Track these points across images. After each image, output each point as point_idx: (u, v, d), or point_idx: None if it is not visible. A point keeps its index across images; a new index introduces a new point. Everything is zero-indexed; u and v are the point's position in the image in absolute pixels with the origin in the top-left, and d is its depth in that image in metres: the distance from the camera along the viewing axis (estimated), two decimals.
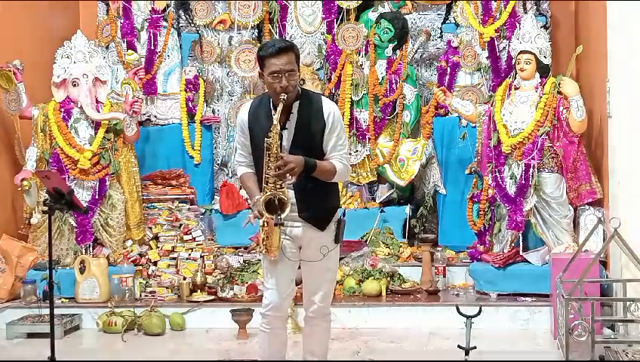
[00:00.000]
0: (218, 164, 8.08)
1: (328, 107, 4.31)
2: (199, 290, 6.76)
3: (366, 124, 7.69)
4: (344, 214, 4.52)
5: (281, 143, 4.19)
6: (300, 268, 4.47)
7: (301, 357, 4.62)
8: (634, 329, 5.54)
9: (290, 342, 4.63)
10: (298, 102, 4.28)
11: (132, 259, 6.99)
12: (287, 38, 7.88)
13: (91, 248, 6.96)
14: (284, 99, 4.15)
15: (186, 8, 8.02)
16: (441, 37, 7.92)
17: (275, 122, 4.14)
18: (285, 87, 4.17)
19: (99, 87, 7.09)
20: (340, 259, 7.04)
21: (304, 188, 4.25)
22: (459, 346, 4.64)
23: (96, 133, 7.01)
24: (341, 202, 7.40)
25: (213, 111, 8.07)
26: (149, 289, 6.82)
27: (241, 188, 7.78)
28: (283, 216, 4.11)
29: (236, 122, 4.50)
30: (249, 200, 4.41)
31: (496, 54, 7.42)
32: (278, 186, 4.15)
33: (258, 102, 4.40)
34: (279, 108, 4.15)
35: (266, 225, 4.18)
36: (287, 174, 4.10)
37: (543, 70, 6.58)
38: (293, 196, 4.24)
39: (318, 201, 4.30)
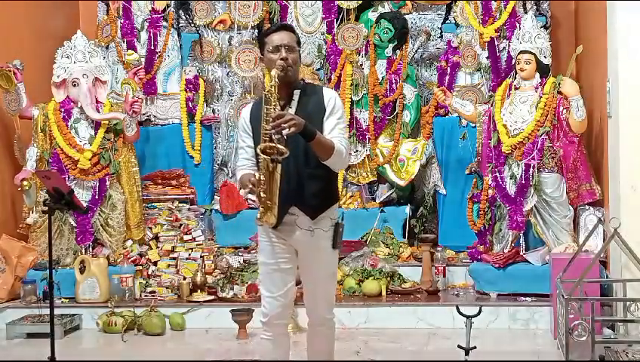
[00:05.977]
0: (218, 164, 8.07)
1: (329, 94, 4.23)
2: (199, 290, 6.76)
3: (366, 124, 7.68)
4: (343, 218, 4.34)
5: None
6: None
7: (301, 358, 4.57)
8: (634, 329, 5.54)
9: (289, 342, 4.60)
10: (299, 90, 4.19)
11: (132, 259, 6.99)
12: None
13: (91, 248, 6.97)
14: (281, 68, 4.04)
15: (186, 8, 8.02)
16: (441, 37, 7.93)
17: (272, 74, 4.00)
18: (285, 58, 4.09)
19: (99, 87, 7.09)
20: (340, 259, 7.09)
21: (300, 175, 4.08)
22: (459, 346, 4.63)
23: (96, 133, 7.01)
24: (341, 202, 7.57)
25: (213, 111, 8.07)
26: (149, 289, 6.82)
27: (241, 188, 7.75)
28: (281, 158, 3.89)
29: (238, 125, 4.34)
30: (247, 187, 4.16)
31: (496, 54, 7.42)
32: (275, 140, 3.92)
33: (259, 100, 4.24)
34: (277, 74, 4.02)
35: (262, 179, 3.94)
36: (286, 125, 3.86)
37: (543, 70, 6.58)
38: (286, 185, 4.03)
39: (314, 188, 4.11)
